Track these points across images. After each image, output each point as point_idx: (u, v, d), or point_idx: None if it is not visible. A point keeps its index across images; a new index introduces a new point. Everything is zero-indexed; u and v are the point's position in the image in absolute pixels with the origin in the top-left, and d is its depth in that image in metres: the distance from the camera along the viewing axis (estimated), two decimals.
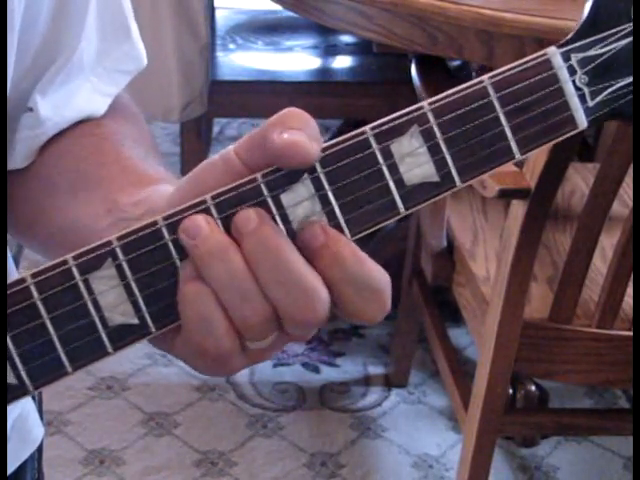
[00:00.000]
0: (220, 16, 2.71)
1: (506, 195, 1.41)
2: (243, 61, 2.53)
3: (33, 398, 0.79)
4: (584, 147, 2.24)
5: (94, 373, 2.07)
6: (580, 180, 1.85)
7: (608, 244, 1.55)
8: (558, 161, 1.35)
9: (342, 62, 2.69)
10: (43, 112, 0.66)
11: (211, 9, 2.46)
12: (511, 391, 1.88)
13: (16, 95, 0.65)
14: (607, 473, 1.96)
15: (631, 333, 1.47)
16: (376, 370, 2.17)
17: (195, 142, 2.40)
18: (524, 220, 1.39)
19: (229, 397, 2.06)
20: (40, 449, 0.80)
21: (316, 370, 2.15)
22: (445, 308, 1.96)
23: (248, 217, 0.48)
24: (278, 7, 1.83)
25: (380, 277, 0.50)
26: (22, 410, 0.76)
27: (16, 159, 0.67)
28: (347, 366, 2.17)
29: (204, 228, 0.48)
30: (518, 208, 1.41)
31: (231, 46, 2.60)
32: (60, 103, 0.67)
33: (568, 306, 1.47)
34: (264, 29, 2.72)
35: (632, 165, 1.36)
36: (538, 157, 1.36)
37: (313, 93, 2.40)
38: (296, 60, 2.60)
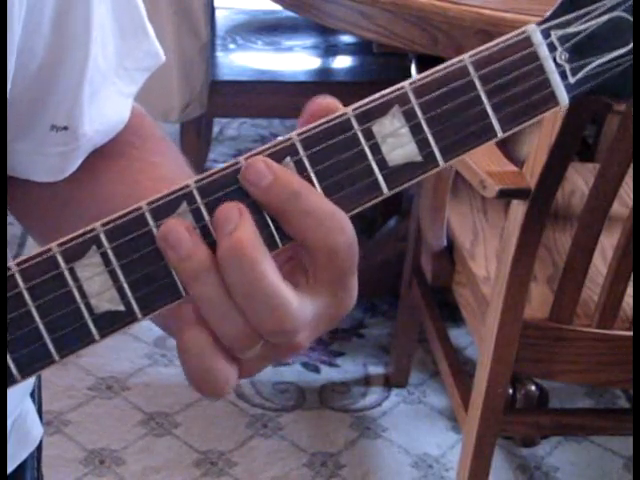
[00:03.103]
0: (220, 16, 2.71)
1: (506, 195, 1.41)
2: (243, 61, 2.53)
3: (32, 398, 0.79)
4: (584, 147, 2.24)
5: (94, 373, 2.07)
6: (580, 180, 1.85)
7: (608, 244, 1.55)
8: (558, 161, 1.35)
9: (342, 62, 2.69)
10: (80, 129, 0.66)
11: (211, 9, 2.46)
12: (511, 391, 1.88)
13: (27, 101, 0.65)
14: (607, 473, 1.96)
15: (631, 333, 1.47)
16: (376, 370, 2.17)
17: (195, 142, 2.40)
18: (524, 220, 1.39)
19: (229, 397, 2.06)
20: (39, 449, 0.80)
21: (316, 370, 2.15)
22: (445, 308, 1.96)
23: (229, 215, 0.48)
24: (278, 7, 1.83)
25: (335, 207, 0.50)
26: (21, 410, 0.76)
27: (39, 173, 0.68)
28: (347, 366, 2.17)
29: (186, 242, 0.48)
30: (518, 208, 1.41)
31: (231, 46, 2.60)
32: (93, 117, 0.67)
33: (568, 306, 1.47)
34: (264, 29, 2.72)
35: (632, 165, 1.36)
36: (538, 157, 1.36)
37: (313, 93, 2.39)
38: (296, 60, 2.60)
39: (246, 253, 0.48)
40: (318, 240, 0.49)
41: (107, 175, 0.68)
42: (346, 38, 2.67)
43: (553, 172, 1.36)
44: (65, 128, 0.66)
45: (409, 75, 1.68)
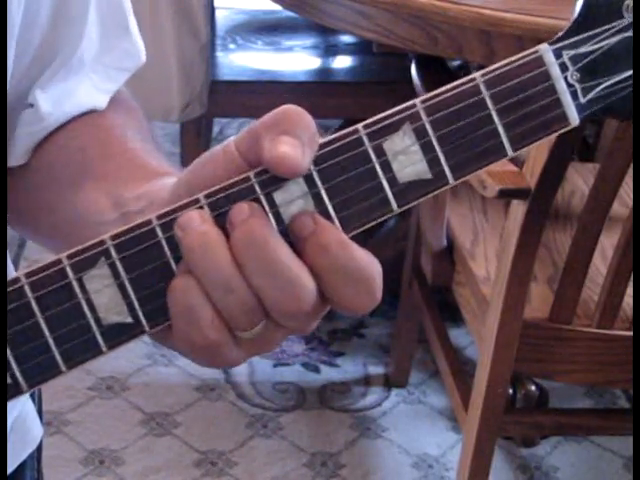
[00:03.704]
0: (220, 16, 2.71)
1: (506, 195, 1.41)
2: (243, 61, 2.53)
3: (32, 398, 0.79)
4: (584, 147, 2.25)
5: (94, 373, 2.07)
6: (580, 180, 1.85)
7: (608, 244, 1.55)
8: (558, 161, 1.35)
9: (342, 62, 2.69)
10: (44, 108, 0.66)
11: (211, 9, 2.46)
12: (511, 391, 1.88)
13: (15, 93, 0.65)
14: (607, 473, 1.96)
15: (631, 333, 1.47)
16: (376, 370, 2.17)
17: (195, 142, 2.40)
18: (524, 220, 1.39)
19: (229, 397, 2.06)
20: (39, 449, 0.80)
21: (316, 370, 2.15)
22: (445, 308, 1.96)
23: (240, 209, 0.49)
24: (278, 7, 1.83)
25: (369, 266, 0.50)
26: (21, 410, 0.75)
27: (16, 156, 0.67)
28: (347, 366, 2.17)
29: (195, 220, 0.48)
30: (518, 208, 1.41)
31: (231, 46, 2.60)
32: (61, 98, 0.67)
33: (568, 306, 1.47)
34: (264, 29, 2.72)
35: (632, 165, 1.36)
36: (538, 157, 1.36)
37: (313, 93, 2.40)
38: (296, 60, 2.60)
39: (259, 233, 0.48)
40: (346, 301, 0.49)
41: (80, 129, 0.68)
42: (346, 38, 2.67)
43: (553, 172, 1.36)
44: (31, 105, 0.66)
45: (409, 75, 1.69)
